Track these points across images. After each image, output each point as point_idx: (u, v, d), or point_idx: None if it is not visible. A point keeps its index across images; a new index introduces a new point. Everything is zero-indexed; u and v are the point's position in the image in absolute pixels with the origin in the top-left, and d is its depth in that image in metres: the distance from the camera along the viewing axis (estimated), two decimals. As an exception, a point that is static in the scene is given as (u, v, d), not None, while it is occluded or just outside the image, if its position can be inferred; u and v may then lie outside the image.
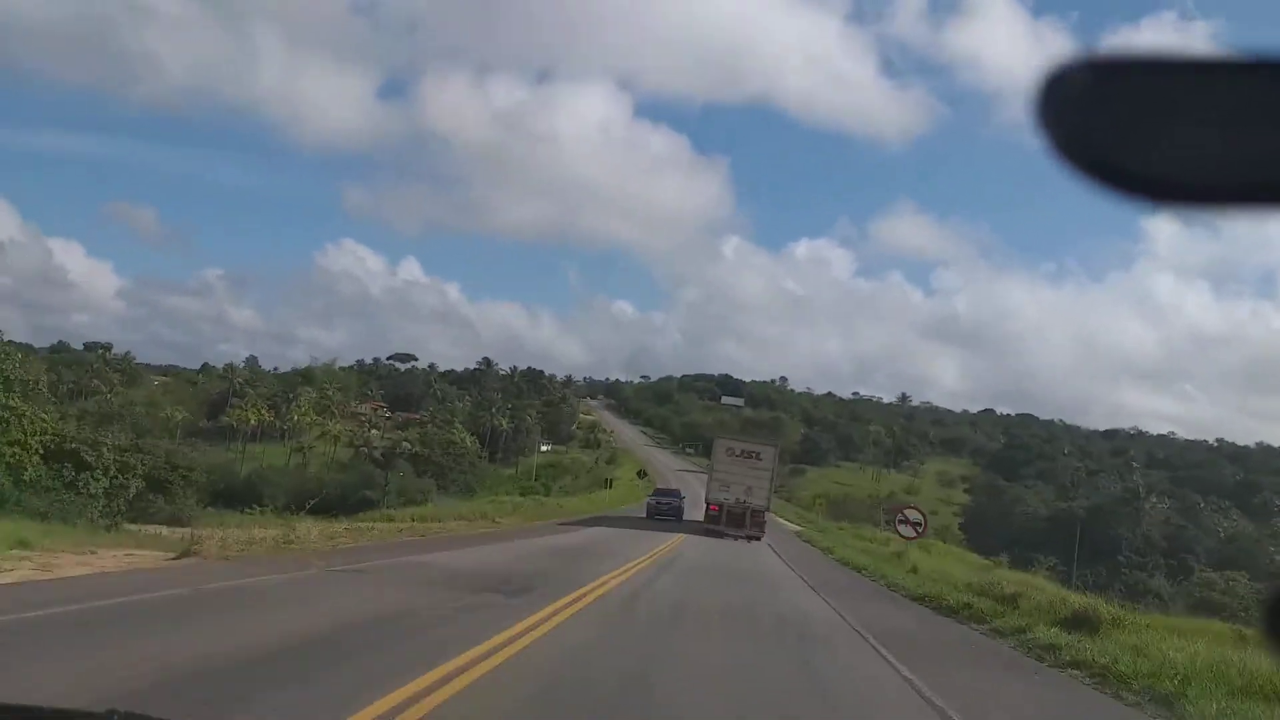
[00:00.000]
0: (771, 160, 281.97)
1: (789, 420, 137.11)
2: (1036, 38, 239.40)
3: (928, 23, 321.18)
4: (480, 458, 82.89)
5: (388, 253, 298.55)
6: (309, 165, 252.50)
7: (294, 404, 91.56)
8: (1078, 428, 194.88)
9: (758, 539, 35.32)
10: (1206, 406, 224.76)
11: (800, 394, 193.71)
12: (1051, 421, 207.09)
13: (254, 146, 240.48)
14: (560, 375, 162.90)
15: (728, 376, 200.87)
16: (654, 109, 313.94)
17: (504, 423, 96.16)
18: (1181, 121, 0.85)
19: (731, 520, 35.97)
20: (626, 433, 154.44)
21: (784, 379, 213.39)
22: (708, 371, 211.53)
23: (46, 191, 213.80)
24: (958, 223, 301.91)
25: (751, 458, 37.54)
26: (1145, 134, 0.85)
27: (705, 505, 38.55)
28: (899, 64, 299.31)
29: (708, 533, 35.39)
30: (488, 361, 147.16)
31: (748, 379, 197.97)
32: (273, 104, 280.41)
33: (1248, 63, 0.83)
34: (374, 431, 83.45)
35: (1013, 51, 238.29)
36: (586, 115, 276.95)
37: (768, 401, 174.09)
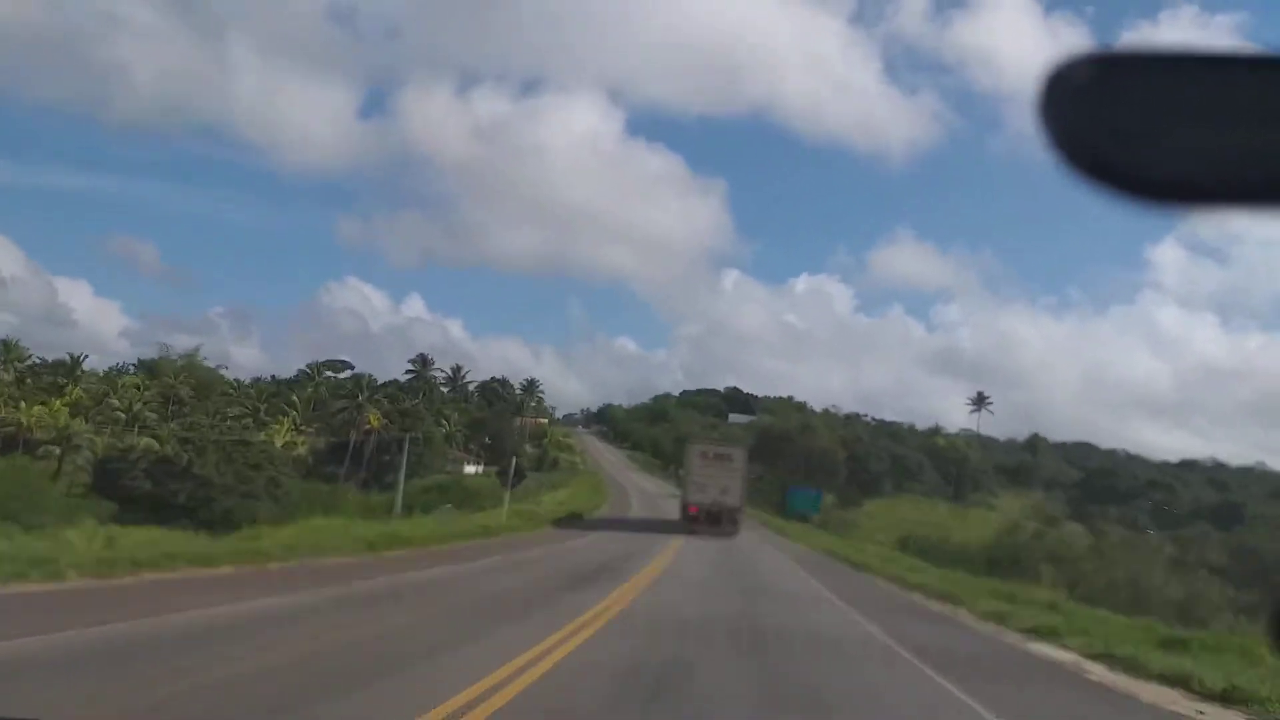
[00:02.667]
0: (773, 181, 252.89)
1: (824, 430, 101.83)
2: (1050, 34, 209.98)
3: (933, 23, 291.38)
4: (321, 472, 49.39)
5: (381, 286, 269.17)
6: (295, 193, 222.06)
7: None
8: (1142, 458, 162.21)
9: (732, 535, 36.96)
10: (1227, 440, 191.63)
11: (821, 414, 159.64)
12: (1113, 451, 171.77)
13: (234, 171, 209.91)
14: (520, 382, 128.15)
15: (736, 391, 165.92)
16: (648, 125, 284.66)
17: (374, 420, 61.88)
18: (1185, 119, 0.84)
19: (709, 519, 37.42)
20: (608, 457, 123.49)
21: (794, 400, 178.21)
22: (711, 386, 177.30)
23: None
24: (964, 245, 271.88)
25: (724, 459, 39.48)
26: (1147, 131, 0.84)
27: (683, 507, 39.69)
28: (904, 68, 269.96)
29: (690, 534, 35.94)
30: (424, 360, 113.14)
31: (760, 393, 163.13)
32: (248, 121, 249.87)
33: (1251, 58, 0.82)
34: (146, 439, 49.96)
35: (1021, 51, 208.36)
36: (579, 134, 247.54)
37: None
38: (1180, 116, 0.83)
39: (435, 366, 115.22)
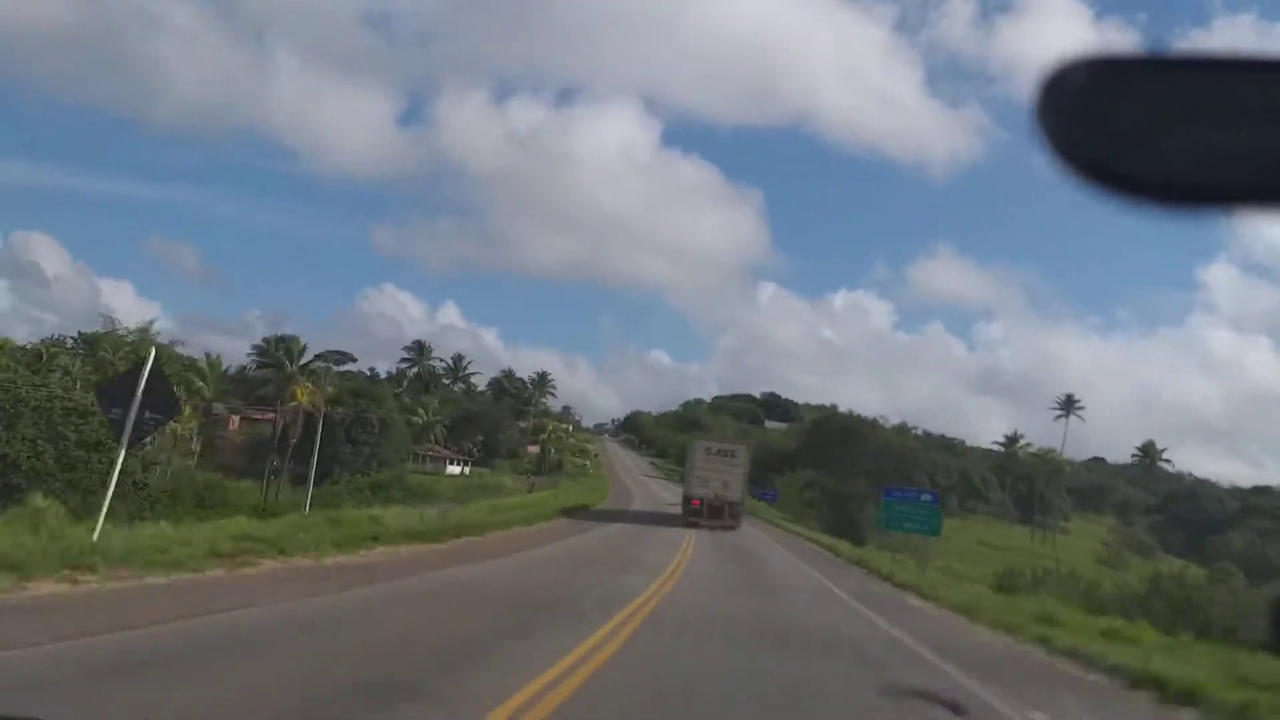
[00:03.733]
0: (810, 192, 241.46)
1: (888, 431, 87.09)
2: (1101, 41, 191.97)
3: (978, 29, 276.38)
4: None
5: (418, 293, 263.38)
6: (332, 198, 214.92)
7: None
8: (1211, 482, 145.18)
9: (734, 528, 38.34)
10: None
11: (870, 422, 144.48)
12: (1181, 475, 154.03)
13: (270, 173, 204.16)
14: (531, 377, 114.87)
15: (774, 396, 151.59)
16: (685, 134, 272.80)
17: (301, 394, 48.38)
18: (1183, 120, 0.84)
19: (711, 513, 38.54)
20: (627, 463, 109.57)
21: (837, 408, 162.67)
22: (747, 391, 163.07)
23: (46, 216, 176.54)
24: (1007, 262, 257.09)
25: (727, 455, 40.44)
26: (1146, 133, 0.85)
27: (686, 500, 40.71)
28: (946, 77, 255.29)
29: (689, 526, 36.39)
30: (420, 347, 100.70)
31: (800, 399, 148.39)
32: (286, 127, 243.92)
33: (1248, 61, 0.83)
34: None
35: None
36: (616, 143, 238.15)
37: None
38: (1179, 118, 0.83)
39: (435, 356, 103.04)
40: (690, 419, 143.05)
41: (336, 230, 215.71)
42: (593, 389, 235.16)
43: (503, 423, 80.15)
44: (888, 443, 79.17)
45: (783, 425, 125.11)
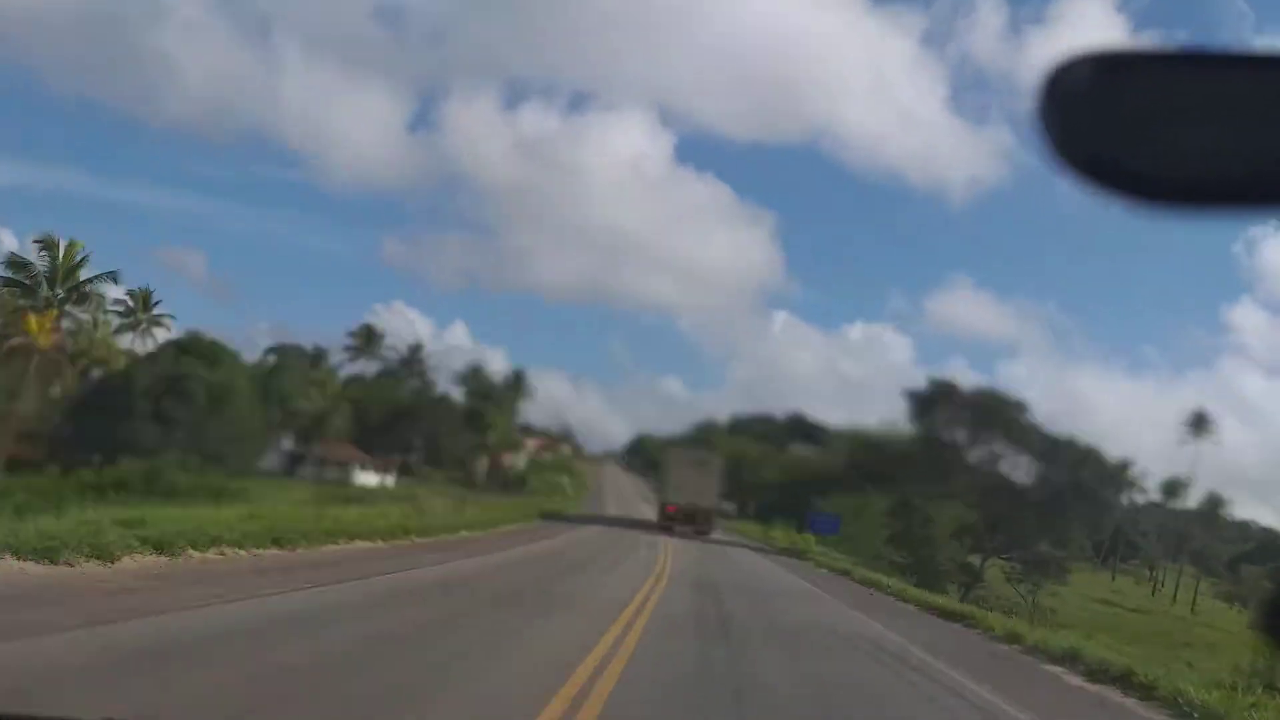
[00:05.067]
0: (825, 215, 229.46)
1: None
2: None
3: (1007, 43, 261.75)
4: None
5: (426, 311, 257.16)
6: (340, 207, 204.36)
7: None
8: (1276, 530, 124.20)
9: (706, 533, 39.69)
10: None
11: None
12: (1247, 524, 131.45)
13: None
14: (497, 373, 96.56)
15: (800, 418, 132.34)
16: (698, 150, 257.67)
17: (33, 327, 30.18)
18: (1185, 118, 0.83)
19: (685, 519, 40.04)
20: (621, 486, 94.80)
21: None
22: (768, 411, 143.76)
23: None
24: (1029, 295, 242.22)
25: (702, 465, 42.52)
26: (1147, 131, 0.84)
27: (661, 507, 42.18)
28: (971, 92, 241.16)
29: (663, 530, 38.23)
30: (369, 333, 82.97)
31: (829, 422, 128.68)
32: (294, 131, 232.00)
33: (1250, 58, 0.82)
34: None
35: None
36: (627, 158, 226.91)
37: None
38: (1180, 116, 0.82)
39: (389, 345, 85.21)
40: (702, 442, 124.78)
41: (345, 242, 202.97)
42: (602, 415, 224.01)
43: (446, 424, 62.01)
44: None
45: (811, 448, 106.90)
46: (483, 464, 60.81)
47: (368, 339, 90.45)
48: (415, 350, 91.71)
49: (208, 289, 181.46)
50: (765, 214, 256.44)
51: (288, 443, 54.51)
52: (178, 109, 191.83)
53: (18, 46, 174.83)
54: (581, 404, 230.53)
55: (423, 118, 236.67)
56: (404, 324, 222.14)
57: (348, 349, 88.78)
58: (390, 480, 52.77)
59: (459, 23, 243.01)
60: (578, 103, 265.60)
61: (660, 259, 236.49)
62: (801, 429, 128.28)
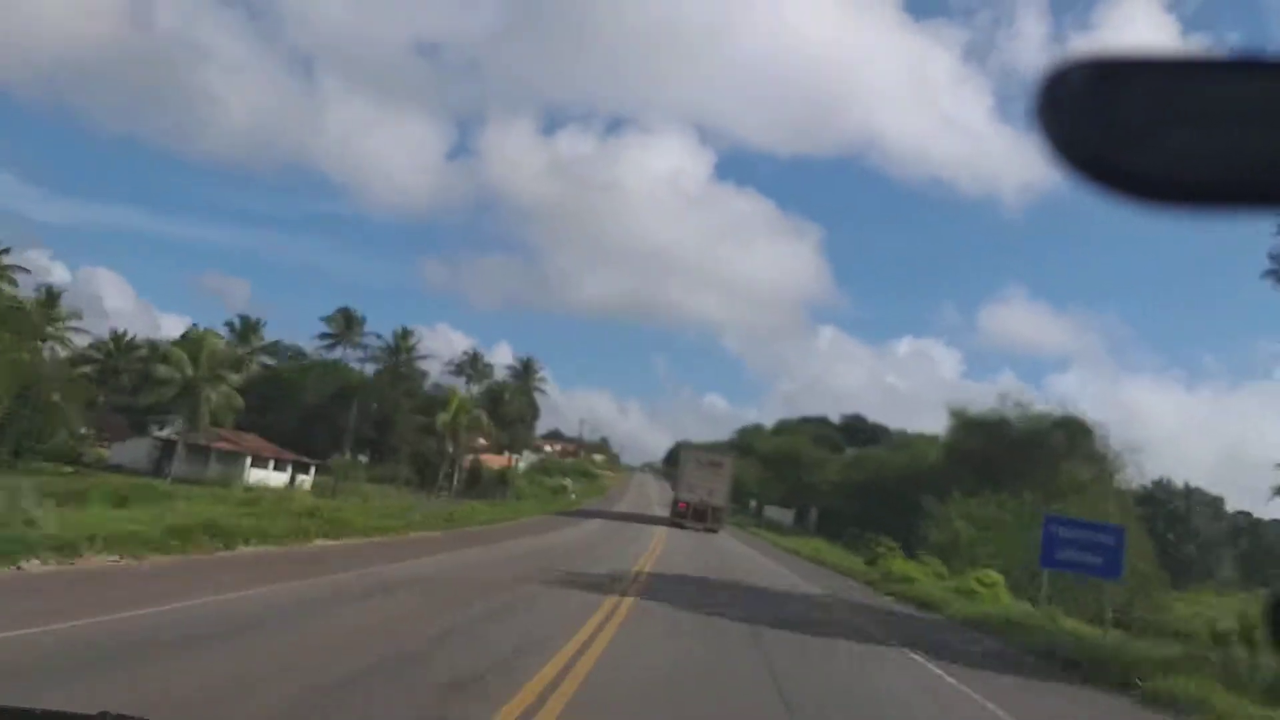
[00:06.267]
0: (872, 228, 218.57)
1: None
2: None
3: (1053, 50, 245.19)
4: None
5: (469, 332, 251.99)
6: (380, 233, 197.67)
7: None
8: None
9: (715, 531, 40.58)
10: None
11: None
12: None
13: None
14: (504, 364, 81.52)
15: (859, 420, 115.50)
16: (739, 166, 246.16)
17: None
18: (1183, 120, 0.84)
19: (696, 515, 40.98)
20: (649, 493, 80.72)
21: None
22: (822, 413, 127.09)
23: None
24: (1083, 305, 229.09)
25: (715, 465, 43.19)
26: (1146, 133, 0.84)
27: (674, 503, 43.54)
28: (1017, 99, 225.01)
29: (674, 525, 39.65)
30: (347, 318, 69.21)
31: (892, 425, 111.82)
32: (334, 162, 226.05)
33: (1248, 61, 0.82)
34: None
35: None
36: (667, 177, 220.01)
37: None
38: (1178, 118, 0.82)
39: (371, 332, 71.13)
40: (746, 447, 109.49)
41: (387, 268, 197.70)
42: (645, 430, 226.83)
43: (397, 411, 46.92)
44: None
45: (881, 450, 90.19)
46: (447, 459, 45.36)
47: (346, 324, 76.65)
48: (402, 337, 77.81)
49: (253, 314, 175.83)
50: (810, 228, 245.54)
51: (169, 430, 40.06)
52: (221, 143, 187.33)
53: (67, 87, 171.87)
54: (625, 420, 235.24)
55: (462, 145, 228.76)
56: (448, 346, 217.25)
57: (323, 336, 75.18)
58: (306, 478, 38.11)
59: (496, 52, 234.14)
60: (615, 125, 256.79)
61: (703, 277, 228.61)
62: (861, 431, 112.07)
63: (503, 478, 44.80)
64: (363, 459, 43.36)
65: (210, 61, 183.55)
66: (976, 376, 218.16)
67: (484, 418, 47.23)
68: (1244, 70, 0.81)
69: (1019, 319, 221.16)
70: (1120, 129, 0.83)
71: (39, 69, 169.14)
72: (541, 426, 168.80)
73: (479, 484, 43.65)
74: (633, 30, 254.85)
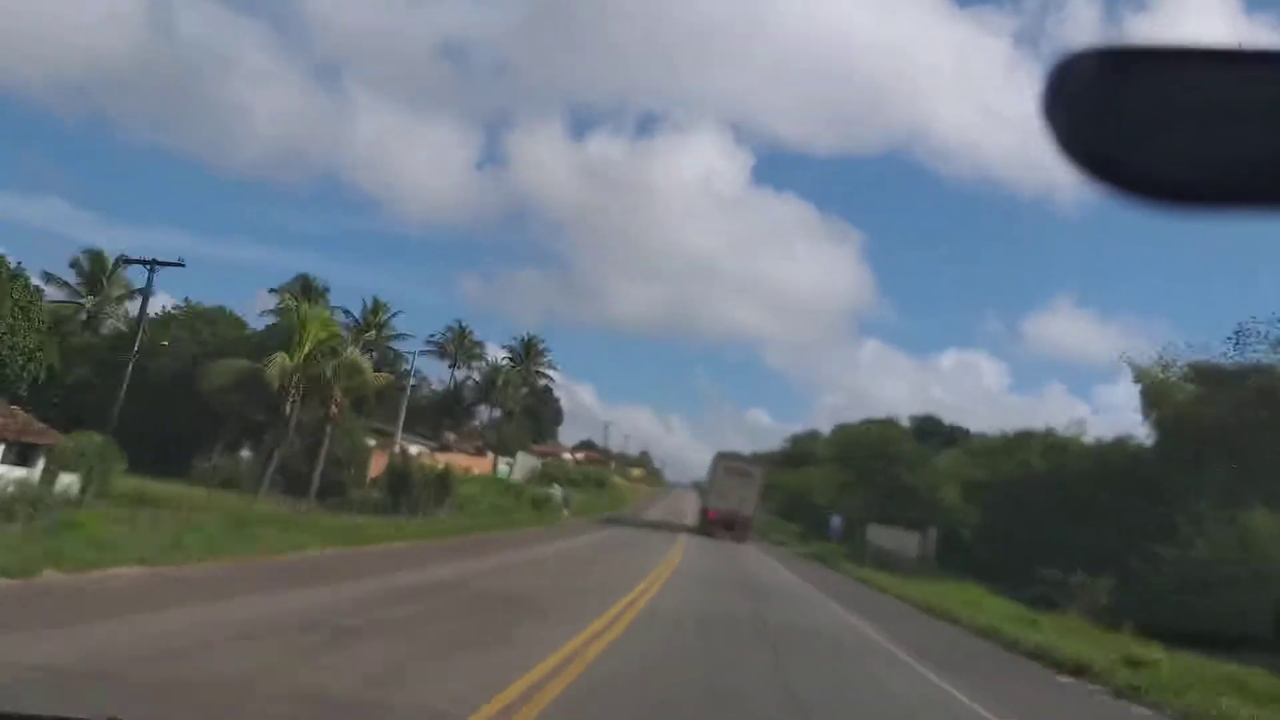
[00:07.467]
0: (918, 232, 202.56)
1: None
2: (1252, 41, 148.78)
3: (1107, 34, 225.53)
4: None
5: (511, 347, 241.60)
6: (414, 246, 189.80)
7: None
8: None
9: (742, 541, 39.62)
10: None
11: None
12: None
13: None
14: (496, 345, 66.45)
15: (933, 420, 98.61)
16: (777, 168, 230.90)
17: None
18: (1191, 116, 0.81)
19: (725, 525, 40.61)
20: (686, 509, 70.92)
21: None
22: (891, 413, 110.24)
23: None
24: (1136, 313, 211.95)
25: (745, 475, 43.12)
26: (1152, 129, 0.83)
27: (702, 512, 43.98)
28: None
29: (703, 534, 39.30)
30: (306, 284, 55.24)
31: (970, 426, 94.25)
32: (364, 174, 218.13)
33: (1258, 55, 0.80)
34: None
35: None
36: (703, 184, 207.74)
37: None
38: (1186, 113, 0.80)
39: (336, 305, 56.87)
40: (800, 456, 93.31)
41: (422, 283, 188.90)
42: (688, 447, 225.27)
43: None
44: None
45: (955, 452, 72.75)
46: (326, 440, 29.35)
47: (305, 291, 62.36)
48: (374, 311, 63.08)
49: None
50: (852, 232, 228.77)
51: None
52: (251, 156, 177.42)
53: (94, 100, 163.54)
54: (669, 438, 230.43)
55: (491, 153, 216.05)
56: (486, 362, 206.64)
57: (271, 313, 60.77)
58: (75, 479, 23.40)
59: (524, 55, 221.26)
60: (648, 127, 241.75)
61: (743, 287, 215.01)
62: (935, 434, 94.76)
63: (443, 481, 29.37)
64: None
65: (237, 76, 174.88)
66: (1024, 389, 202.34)
67: (365, 364, 30.59)
68: (1257, 62, 0.76)
69: (1067, 328, 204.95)
70: (1126, 125, 0.79)
71: (71, 89, 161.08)
72: (573, 436, 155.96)
73: (407, 489, 28.29)
74: (665, 27, 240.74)
